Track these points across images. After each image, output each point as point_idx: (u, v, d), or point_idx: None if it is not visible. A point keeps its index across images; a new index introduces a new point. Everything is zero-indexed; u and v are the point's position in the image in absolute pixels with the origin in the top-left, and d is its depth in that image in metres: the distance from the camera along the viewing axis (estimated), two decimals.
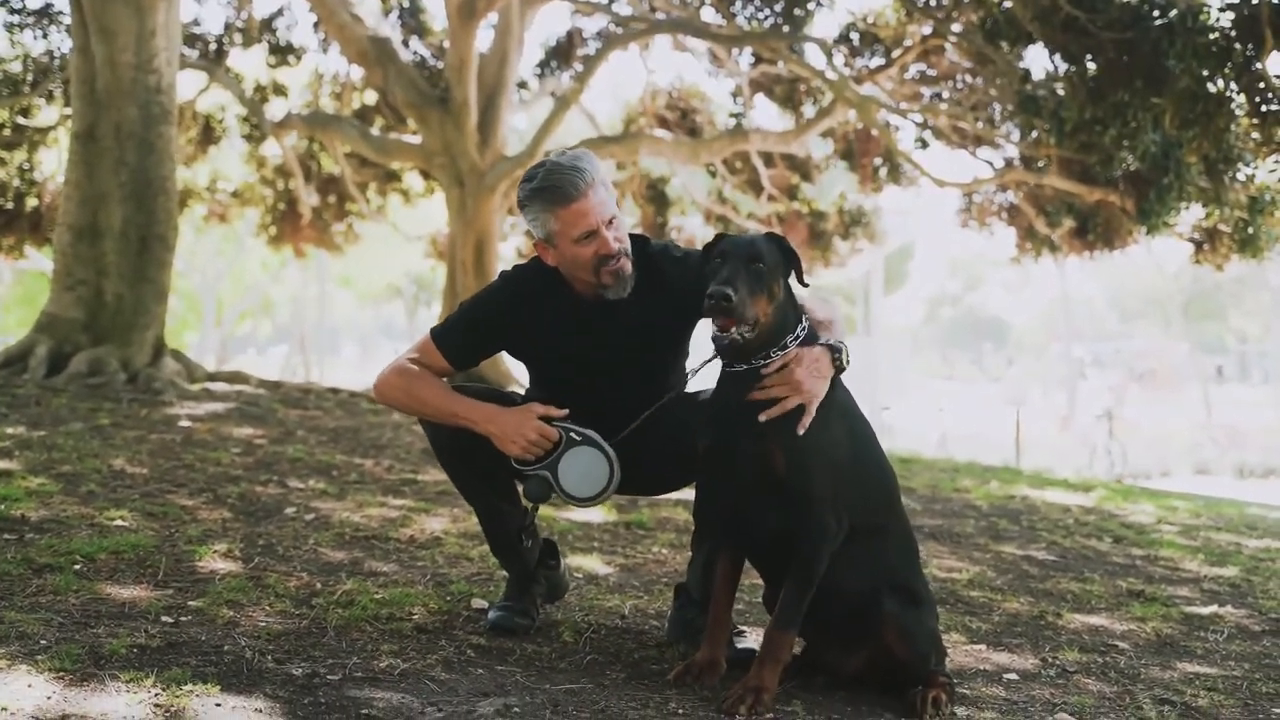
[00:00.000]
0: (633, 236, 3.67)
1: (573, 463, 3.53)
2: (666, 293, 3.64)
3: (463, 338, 3.70)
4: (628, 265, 3.59)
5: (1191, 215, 11.73)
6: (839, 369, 3.34)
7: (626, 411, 3.65)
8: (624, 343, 3.67)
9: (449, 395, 3.61)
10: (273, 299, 46.52)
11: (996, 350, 65.69)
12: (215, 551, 4.32)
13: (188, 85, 17.06)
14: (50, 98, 15.15)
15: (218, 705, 2.86)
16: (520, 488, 3.66)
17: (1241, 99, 9.52)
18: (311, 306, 41.83)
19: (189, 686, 2.94)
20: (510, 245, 18.72)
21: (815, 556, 3.25)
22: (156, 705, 2.81)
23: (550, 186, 3.51)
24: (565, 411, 3.58)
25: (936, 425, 24.28)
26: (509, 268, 3.81)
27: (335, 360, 56.26)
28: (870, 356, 29.59)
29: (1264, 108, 9.42)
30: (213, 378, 9.39)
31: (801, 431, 3.22)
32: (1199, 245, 12.26)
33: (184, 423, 7.13)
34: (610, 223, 3.54)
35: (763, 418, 3.24)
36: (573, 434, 3.53)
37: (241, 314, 44.63)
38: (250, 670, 3.14)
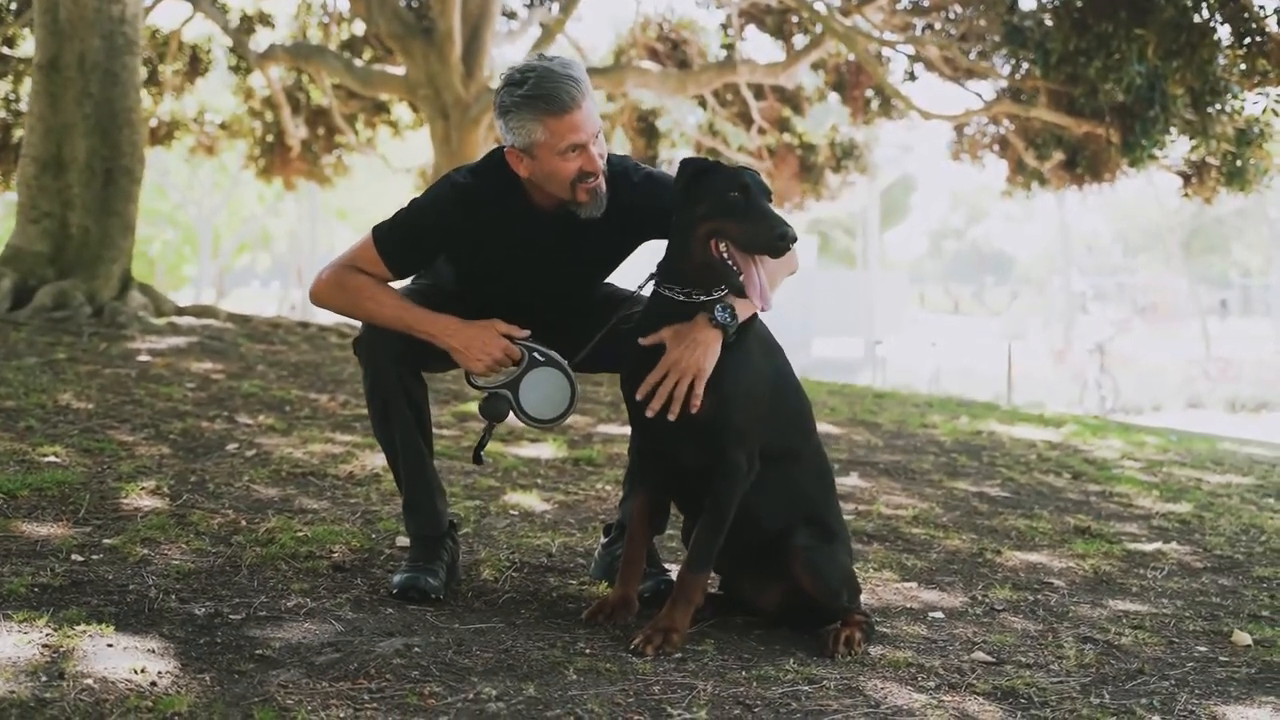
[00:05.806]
0: None
1: (534, 383, 3.43)
2: (622, 216, 3.48)
3: (407, 251, 3.48)
4: (604, 184, 3.39)
5: (1182, 148, 11.58)
6: (725, 334, 3.25)
7: (551, 327, 3.54)
8: (574, 261, 3.55)
9: (402, 305, 3.41)
10: (270, 232, 46.32)
11: (999, 284, 65.49)
12: (143, 488, 4.27)
13: (173, 15, 16.85)
14: (33, 27, 14.93)
15: (109, 645, 2.82)
16: (478, 406, 3.51)
17: (1225, 30, 9.37)
18: (308, 240, 41.59)
19: (82, 627, 2.90)
20: None
21: (727, 497, 3.23)
22: (45, 646, 2.78)
23: (544, 95, 3.25)
24: (528, 332, 3.45)
25: (930, 360, 24.18)
26: (458, 171, 3.54)
27: None
28: (866, 290, 29.52)
29: (1248, 39, 9.26)
30: (181, 312, 9.31)
31: (695, 409, 3.20)
32: (1187, 178, 12.12)
33: (143, 357, 7.08)
34: (596, 137, 3.34)
35: (672, 417, 3.20)
36: (535, 354, 3.42)
37: (239, 246, 44.47)
38: (151, 610, 3.11)
